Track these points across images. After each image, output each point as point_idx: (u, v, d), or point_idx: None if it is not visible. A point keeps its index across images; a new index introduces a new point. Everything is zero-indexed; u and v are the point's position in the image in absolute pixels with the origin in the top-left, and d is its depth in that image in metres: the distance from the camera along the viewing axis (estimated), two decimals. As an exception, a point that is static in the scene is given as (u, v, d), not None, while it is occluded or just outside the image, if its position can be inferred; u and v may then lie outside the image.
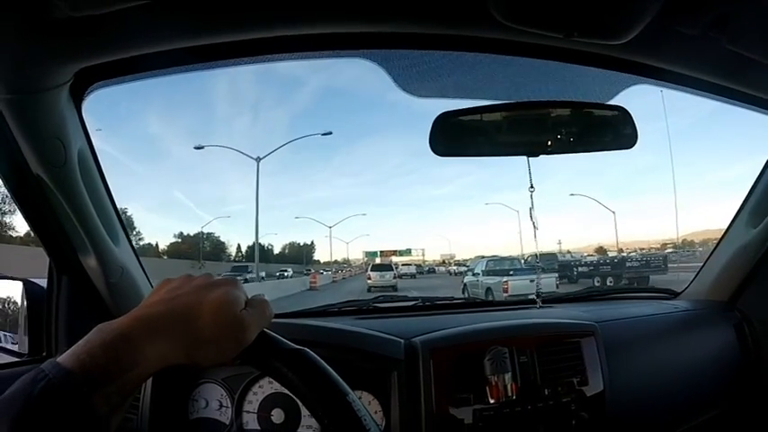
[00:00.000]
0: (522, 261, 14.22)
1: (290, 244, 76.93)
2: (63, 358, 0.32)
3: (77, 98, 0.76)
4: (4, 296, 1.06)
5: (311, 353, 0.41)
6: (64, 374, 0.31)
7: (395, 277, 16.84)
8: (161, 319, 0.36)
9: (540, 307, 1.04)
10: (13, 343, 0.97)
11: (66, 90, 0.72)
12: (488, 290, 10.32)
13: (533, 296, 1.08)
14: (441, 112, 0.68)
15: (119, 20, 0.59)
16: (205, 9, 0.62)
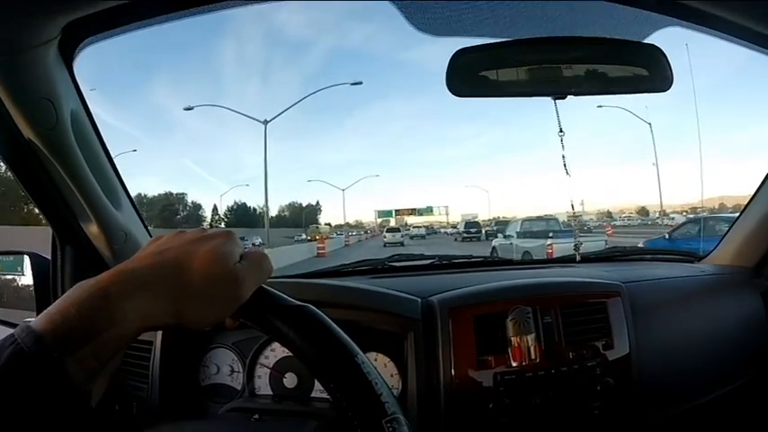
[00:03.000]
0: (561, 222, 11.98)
1: (289, 205, 69.41)
2: (37, 320, 0.29)
3: (67, 56, 0.72)
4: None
5: (314, 309, 0.36)
6: (33, 338, 0.27)
7: (402, 236, 23.32)
8: (145, 273, 0.33)
9: (562, 266, 0.99)
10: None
11: (54, 47, 0.67)
12: (526, 254, 8.62)
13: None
14: (459, 48, 0.62)
15: None
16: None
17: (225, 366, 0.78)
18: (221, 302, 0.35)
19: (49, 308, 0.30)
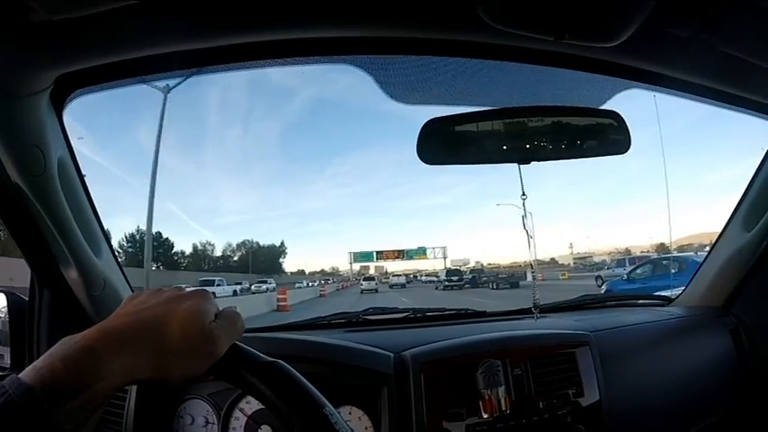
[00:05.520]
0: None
1: (242, 244, 54.15)
2: (24, 373, 0.31)
3: (58, 105, 0.75)
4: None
5: (285, 365, 0.39)
6: (24, 391, 0.30)
7: (376, 284, 25.88)
8: (127, 330, 0.35)
9: (534, 317, 1.02)
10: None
11: (46, 97, 0.70)
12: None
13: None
14: (429, 119, 0.66)
15: (98, 24, 0.58)
16: (188, 12, 0.61)
17: (199, 417, 0.77)
18: (198, 359, 0.37)
19: (35, 362, 0.32)
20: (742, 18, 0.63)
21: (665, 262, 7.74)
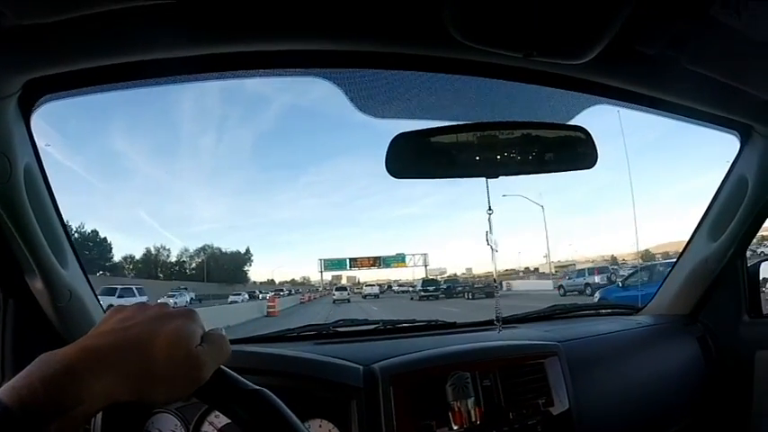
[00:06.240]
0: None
1: (200, 250, 47.35)
2: (2, 392, 0.29)
3: (26, 111, 0.73)
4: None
5: (269, 393, 0.39)
6: (1, 411, 0.28)
7: (348, 294, 25.58)
8: (110, 350, 0.33)
9: (503, 328, 1.03)
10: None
11: (13, 102, 0.69)
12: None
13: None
14: (397, 133, 0.67)
15: (68, 30, 0.57)
16: (158, 22, 0.60)
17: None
18: (182, 384, 0.36)
19: (12, 380, 0.30)
20: (708, 37, 0.65)
21: (660, 268, 8.27)
